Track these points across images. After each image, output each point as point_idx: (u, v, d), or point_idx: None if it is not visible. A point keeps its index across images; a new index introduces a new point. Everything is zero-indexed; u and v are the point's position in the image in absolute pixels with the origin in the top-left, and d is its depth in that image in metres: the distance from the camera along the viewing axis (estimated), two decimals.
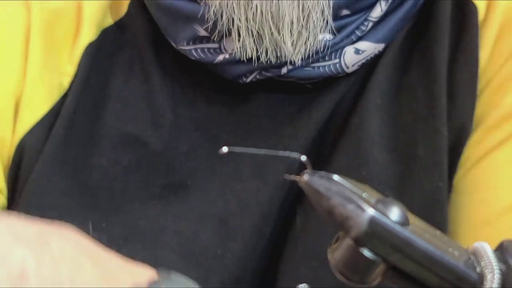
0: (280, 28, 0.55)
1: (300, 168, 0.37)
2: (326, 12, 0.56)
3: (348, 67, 0.59)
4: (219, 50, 0.59)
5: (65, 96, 0.63)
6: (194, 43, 0.60)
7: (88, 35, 0.64)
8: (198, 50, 0.60)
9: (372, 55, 0.60)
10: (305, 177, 0.35)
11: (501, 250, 0.36)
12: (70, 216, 0.57)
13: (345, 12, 0.58)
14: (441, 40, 0.59)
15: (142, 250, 0.57)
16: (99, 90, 0.63)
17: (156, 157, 0.61)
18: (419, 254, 0.34)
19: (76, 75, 0.63)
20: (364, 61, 0.60)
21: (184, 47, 0.60)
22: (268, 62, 0.57)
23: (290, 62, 0.57)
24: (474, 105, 0.58)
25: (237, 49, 0.57)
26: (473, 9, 0.59)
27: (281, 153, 0.39)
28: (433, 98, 0.58)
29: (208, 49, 0.59)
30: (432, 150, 0.57)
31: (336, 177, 0.35)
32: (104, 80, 0.63)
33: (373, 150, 0.57)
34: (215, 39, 0.59)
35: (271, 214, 0.58)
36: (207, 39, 0.59)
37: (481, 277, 0.35)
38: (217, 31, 0.57)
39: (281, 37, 0.55)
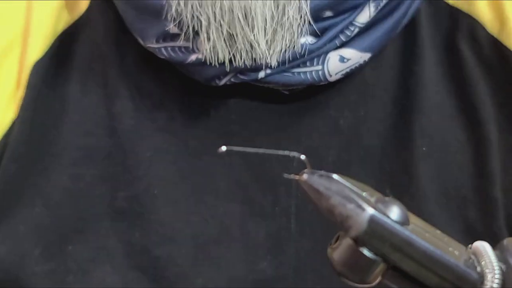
0: (252, 27, 0.50)
1: (299, 168, 0.37)
2: (304, 10, 0.51)
3: (331, 75, 0.55)
4: (191, 49, 0.54)
5: (14, 124, 0.57)
6: (164, 40, 0.54)
7: (35, 51, 0.58)
8: (168, 48, 0.55)
9: (357, 65, 0.55)
10: (305, 176, 0.35)
11: (501, 249, 0.36)
12: (34, 243, 0.55)
13: (327, 13, 0.53)
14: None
15: (111, 273, 0.54)
16: (54, 106, 0.58)
17: (118, 167, 0.57)
18: (419, 254, 0.34)
19: (24, 99, 0.57)
20: (348, 70, 0.55)
21: (153, 45, 0.55)
22: (243, 65, 0.52)
23: (269, 66, 0.53)
24: None
25: (207, 51, 0.52)
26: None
27: (281, 152, 0.39)
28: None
29: (179, 47, 0.54)
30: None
31: (336, 176, 0.35)
32: (59, 93, 0.58)
33: None
34: (187, 37, 0.53)
35: (259, 245, 0.55)
36: (178, 37, 0.54)
37: (482, 277, 0.35)
38: (188, 28, 0.52)
39: (254, 36, 0.51)
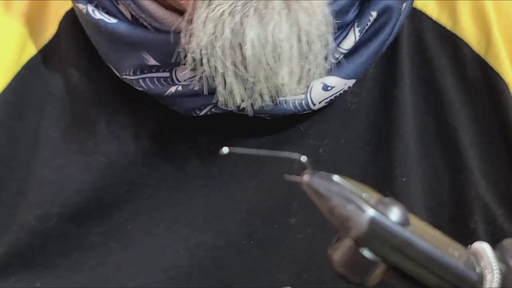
0: (278, 66, 0.47)
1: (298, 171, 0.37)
2: (329, 42, 0.48)
3: (314, 104, 0.53)
4: (171, 81, 0.52)
5: None
6: (141, 72, 0.52)
7: None
8: (146, 79, 0.52)
9: (341, 92, 0.53)
10: (305, 177, 0.35)
11: (501, 250, 0.36)
12: (3, 280, 0.53)
13: None
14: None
15: None
16: (24, 139, 0.56)
17: (91, 204, 0.54)
18: (419, 255, 0.34)
19: None
20: (332, 97, 0.53)
21: (130, 77, 0.53)
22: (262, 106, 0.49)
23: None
24: None
25: (223, 97, 0.48)
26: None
27: (282, 153, 0.39)
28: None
29: (158, 78, 0.52)
30: None
31: (336, 177, 0.35)
32: (29, 126, 0.56)
33: None
34: (166, 68, 0.52)
35: (233, 278, 0.53)
36: (156, 68, 0.52)
37: (481, 277, 0.35)
38: (171, 61, 0.50)
39: (279, 77, 0.47)
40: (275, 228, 0.54)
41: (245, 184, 0.55)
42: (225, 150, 0.38)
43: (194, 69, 0.49)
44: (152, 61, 0.51)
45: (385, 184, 0.55)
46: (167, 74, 0.52)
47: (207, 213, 0.55)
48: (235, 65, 0.47)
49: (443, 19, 0.58)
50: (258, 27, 0.46)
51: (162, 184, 0.55)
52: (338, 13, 0.51)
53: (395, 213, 0.34)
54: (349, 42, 0.53)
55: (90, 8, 0.53)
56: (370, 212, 0.34)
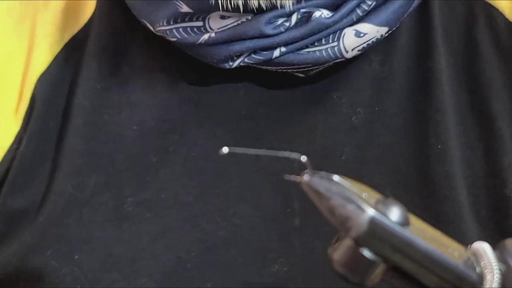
0: None
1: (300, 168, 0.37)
2: None
3: (347, 52, 0.53)
4: (204, 29, 0.52)
5: (18, 137, 0.57)
6: (175, 22, 0.53)
7: (40, 63, 0.58)
8: (180, 29, 0.53)
9: (374, 39, 0.54)
10: (305, 177, 0.35)
11: (501, 250, 0.36)
12: (41, 254, 0.54)
13: None
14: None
15: (120, 280, 0.53)
16: (62, 114, 0.57)
17: (124, 173, 0.55)
18: (419, 254, 0.34)
19: (32, 112, 0.57)
20: (365, 45, 0.54)
21: (164, 27, 0.53)
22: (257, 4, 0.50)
23: (285, 44, 0.52)
24: None
25: None
26: None
27: (281, 153, 0.39)
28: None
29: (191, 27, 0.53)
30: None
31: (336, 177, 0.35)
32: (68, 102, 0.57)
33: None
34: (199, 16, 0.52)
35: (270, 247, 0.53)
36: (190, 17, 0.52)
37: (481, 277, 0.35)
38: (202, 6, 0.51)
39: None
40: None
41: (282, 146, 0.55)
42: (225, 150, 0.38)
43: (225, 17, 0.50)
44: (185, 8, 0.52)
45: (421, 152, 0.56)
46: (200, 23, 0.52)
47: (240, 182, 0.55)
48: None
49: None
50: None
51: (192, 151, 0.55)
52: None
53: (395, 213, 0.34)
54: None
55: None
56: (370, 212, 0.34)
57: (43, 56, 0.58)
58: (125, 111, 0.57)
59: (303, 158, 0.37)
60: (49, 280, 0.54)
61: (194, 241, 0.54)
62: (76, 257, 0.54)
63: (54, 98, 0.57)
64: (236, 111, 0.56)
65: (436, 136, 0.56)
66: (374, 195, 0.35)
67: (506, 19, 0.57)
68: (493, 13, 0.57)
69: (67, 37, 0.59)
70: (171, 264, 0.53)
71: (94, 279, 0.54)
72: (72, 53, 0.59)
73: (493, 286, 0.35)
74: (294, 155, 0.37)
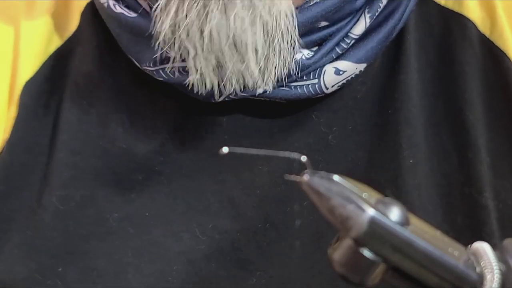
0: (243, 57, 0.49)
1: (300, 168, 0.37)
2: (291, 31, 0.50)
3: (327, 88, 0.55)
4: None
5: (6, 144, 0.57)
6: (161, 63, 0.53)
7: (26, 71, 0.58)
8: (167, 71, 0.54)
9: (352, 75, 0.55)
10: (305, 177, 0.35)
11: (501, 250, 0.36)
12: (26, 266, 0.54)
13: (323, 23, 0.54)
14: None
15: None
16: (47, 125, 0.57)
17: (110, 189, 0.56)
18: (419, 254, 0.34)
19: (15, 119, 0.57)
20: (344, 81, 0.55)
21: (150, 68, 0.54)
22: (233, 91, 0.51)
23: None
24: None
25: (195, 81, 0.51)
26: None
27: (281, 153, 0.39)
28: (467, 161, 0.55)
29: (178, 68, 0.53)
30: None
31: (336, 177, 0.35)
32: (53, 112, 0.58)
33: None
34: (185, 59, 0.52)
35: (248, 260, 0.54)
36: (175, 59, 0.53)
37: (481, 277, 0.35)
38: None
39: (245, 67, 0.50)
40: (288, 211, 0.55)
41: (259, 169, 0.56)
42: (225, 150, 0.38)
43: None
44: (172, 53, 0.52)
45: (393, 166, 0.56)
46: (185, 64, 0.52)
47: (222, 198, 0.56)
48: (202, 49, 0.49)
49: (449, 3, 0.59)
50: (220, 17, 0.48)
51: (178, 172, 0.56)
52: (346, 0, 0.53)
53: (395, 213, 0.34)
54: (360, 27, 0.55)
55: (111, 2, 0.55)
56: (370, 212, 0.34)
57: (29, 64, 0.58)
58: (111, 130, 0.57)
59: (303, 158, 0.37)
60: None
61: (176, 255, 0.55)
62: (60, 269, 0.54)
63: (40, 109, 0.58)
64: (218, 135, 0.57)
65: (408, 150, 0.56)
66: (374, 195, 0.35)
67: (478, 30, 0.59)
68: (467, 24, 0.59)
69: (52, 48, 0.59)
70: (154, 277, 0.54)
71: None
72: (57, 65, 0.59)
73: (493, 286, 0.35)
74: (294, 155, 0.37)
